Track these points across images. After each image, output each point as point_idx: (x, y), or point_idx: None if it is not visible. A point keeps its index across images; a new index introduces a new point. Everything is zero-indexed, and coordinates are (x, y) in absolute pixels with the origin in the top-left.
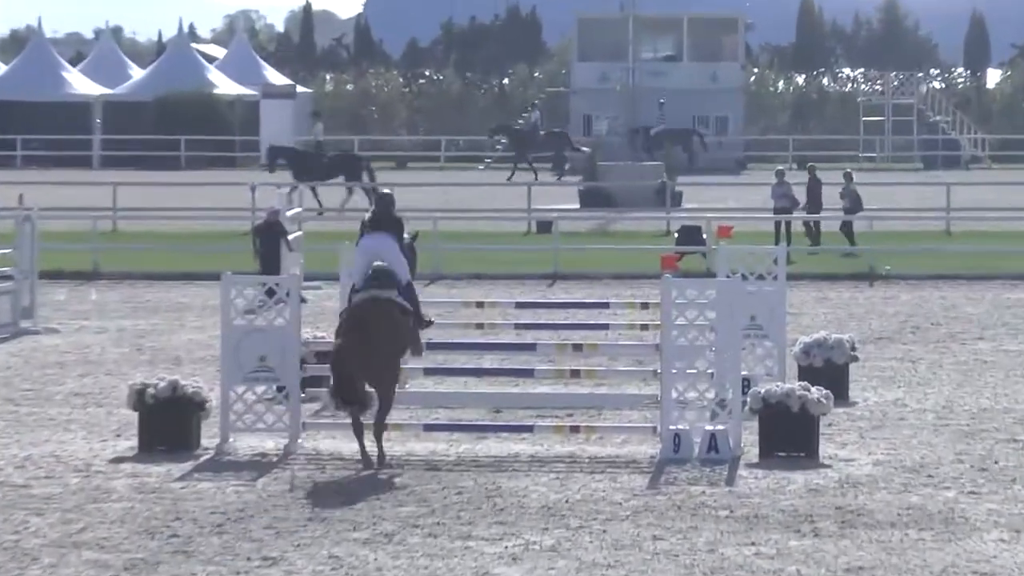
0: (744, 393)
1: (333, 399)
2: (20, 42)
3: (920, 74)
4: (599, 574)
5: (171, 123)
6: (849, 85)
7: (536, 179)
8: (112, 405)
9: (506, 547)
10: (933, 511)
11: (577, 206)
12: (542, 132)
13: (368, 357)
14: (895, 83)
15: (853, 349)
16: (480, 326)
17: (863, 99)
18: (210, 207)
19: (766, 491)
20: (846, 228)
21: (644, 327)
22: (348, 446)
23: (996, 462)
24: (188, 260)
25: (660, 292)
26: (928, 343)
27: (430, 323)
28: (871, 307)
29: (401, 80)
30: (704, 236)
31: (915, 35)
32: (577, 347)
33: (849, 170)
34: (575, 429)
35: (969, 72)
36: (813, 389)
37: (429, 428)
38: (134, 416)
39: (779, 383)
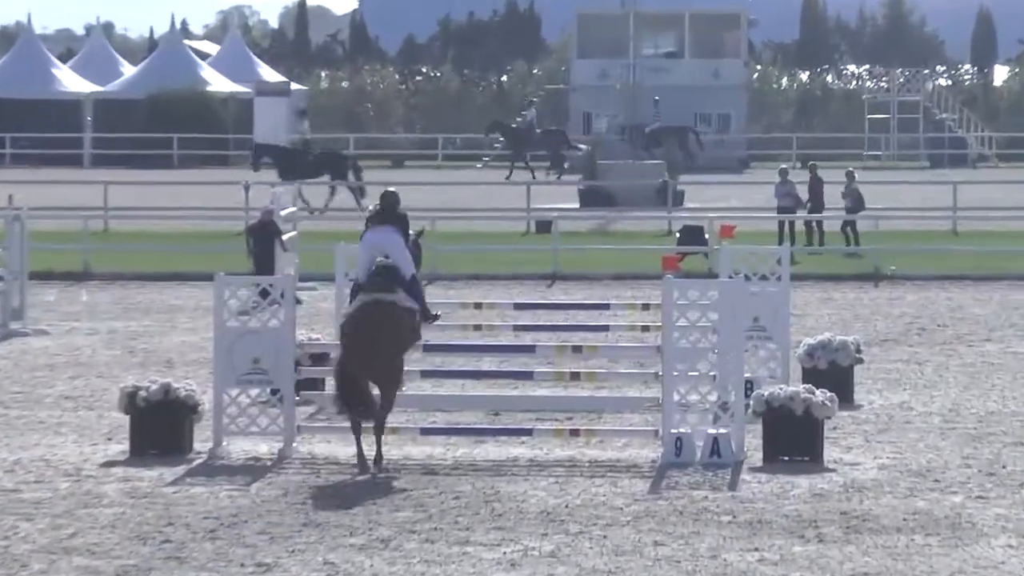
0: (747, 396)
1: (336, 404)
2: (9, 38)
3: (926, 71)
4: None
5: (163, 121)
6: (854, 82)
7: (534, 178)
8: (103, 408)
9: (504, 553)
10: (940, 516)
11: (577, 205)
12: (538, 130)
13: (370, 359)
14: (900, 80)
15: (858, 351)
16: (478, 327)
17: (868, 96)
18: (203, 206)
19: (769, 496)
20: (848, 228)
21: (645, 329)
22: (343, 450)
23: (1004, 466)
24: (180, 260)
25: (661, 293)
26: (934, 345)
27: (436, 317)
28: (876, 308)
29: (397, 77)
30: (706, 236)
31: (921, 31)
32: (577, 349)
33: (851, 169)
34: (575, 432)
35: (976, 69)
36: (817, 392)
37: (426, 432)
38: (125, 419)
39: (783, 386)
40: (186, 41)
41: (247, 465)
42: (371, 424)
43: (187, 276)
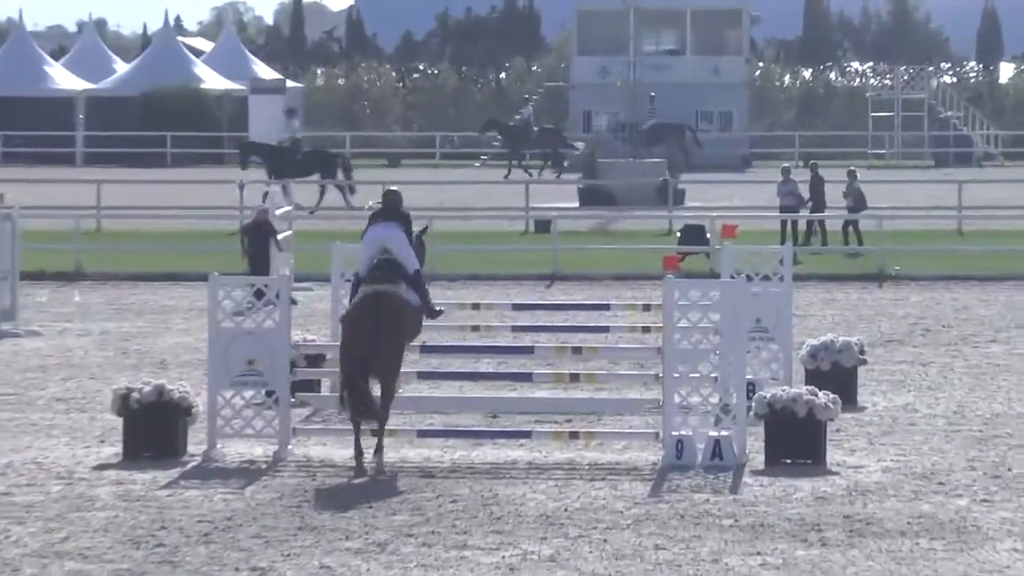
0: (749, 398)
1: (340, 402)
2: (0, 35)
3: (931, 68)
4: None
5: (157, 119)
6: (857, 80)
7: (530, 176)
8: (96, 410)
9: (503, 557)
10: (944, 520)
11: (576, 204)
12: (535, 129)
13: (372, 351)
14: (905, 77)
15: (861, 352)
16: (476, 328)
17: (872, 94)
18: (197, 206)
19: (772, 499)
20: (850, 227)
21: (646, 329)
22: (339, 452)
23: (1010, 469)
24: (174, 260)
25: (662, 293)
26: (939, 346)
27: (440, 312)
28: (880, 309)
29: (394, 74)
30: (708, 235)
31: (926, 28)
32: (576, 350)
33: (853, 168)
34: (574, 435)
35: (981, 66)
36: (820, 394)
37: (423, 434)
38: (118, 422)
39: (785, 387)
40: (180, 38)
41: (242, 468)
42: (371, 425)
43: (181, 276)
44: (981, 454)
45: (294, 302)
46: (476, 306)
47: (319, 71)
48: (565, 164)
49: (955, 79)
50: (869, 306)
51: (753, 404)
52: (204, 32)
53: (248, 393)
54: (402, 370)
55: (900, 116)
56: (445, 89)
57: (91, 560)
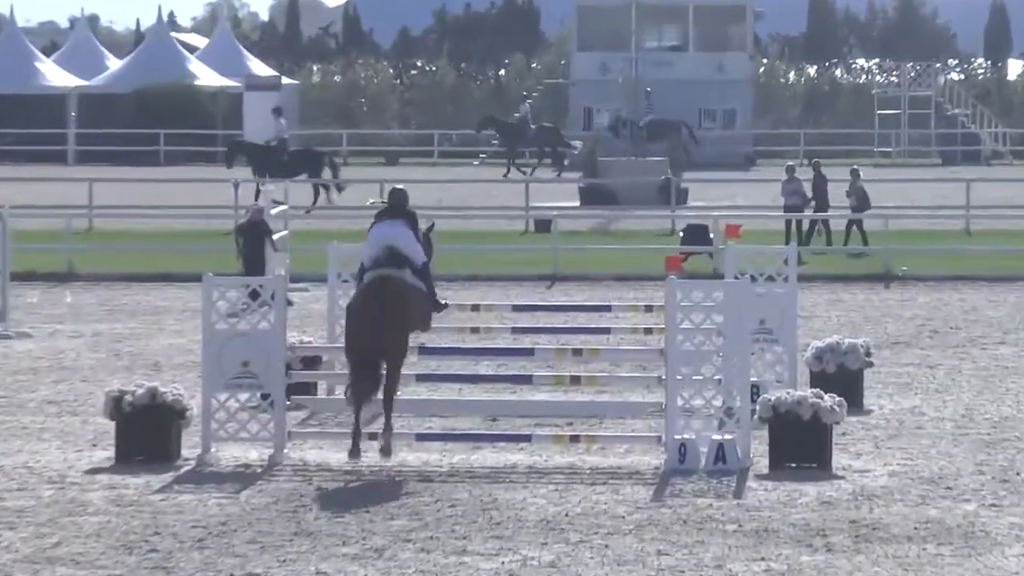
0: (753, 401)
1: (345, 391)
2: None
3: (938, 65)
4: None
5: (150, 116)
6: (863, 76)
7: (524, 175)
8: (88, 413)
9: (503, 563)
10: (952, 525)
11: (577, 204)
12: (533, 127)
13: (378, 334)
14: (912, 74)
15: (868, 354)
16: (475, 330)
17: (878, 91)
18: (191, 205)
19: (776, 504)
20: (853, 227)
21: (648, 331)
22: (336, 456)
23: (1018, 473)
24: (168, 260)
25: (664, 294)
26: (947, 348)
27: (445, 306)
28: (887, 310)
29: (392, 71)
30: (711, 235)
31: (933, 23)
32: (577, 352)
33: (856, 167)
34: (575, 439)
35: (989, 63)
36: (826, 396)
37: (422, 438)
38: (111, 425)
39: (790, 390)
40: (173, 34)
41: (236, 472)
42: (369, 428)
43: (175, 277)
44: (989, 458)
45: (290, 303)
46: (475, 307)
47: (315, 68)
48: (566, 163)
49: (963, 76)
50: (875, 307)
51: (757, 407)
52: (198, 28)
53: (243, 396)
54: (401, 372)
55: (907, 114)
56: (443, 86)
57: (83, 566)
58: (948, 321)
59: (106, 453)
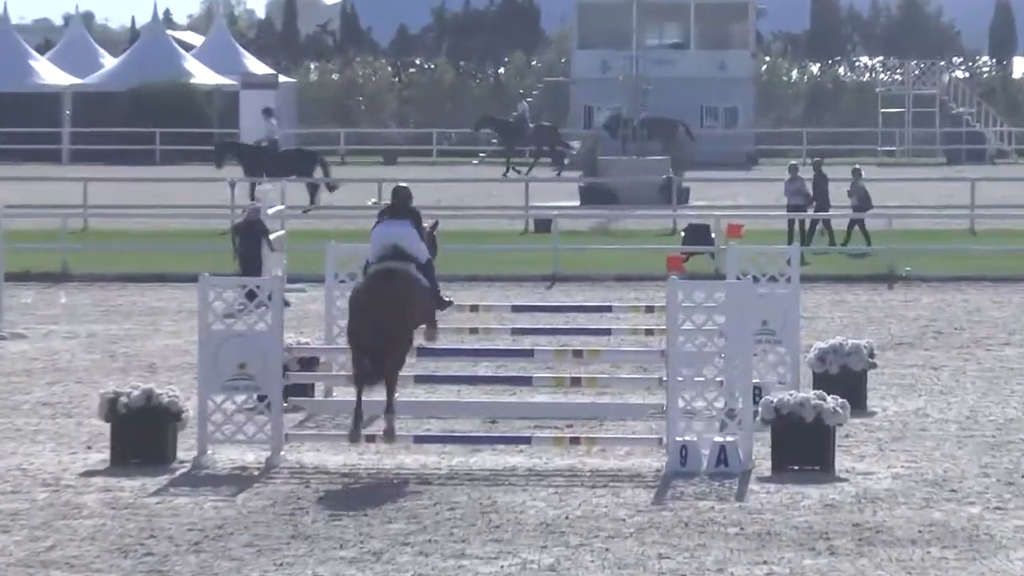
0: (755, 402)
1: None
2: None
3: (942, 63)
4: None
5: (145, 115)
6: (867, 75)
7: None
8: (82, 415)
9: (502, 566)
10: (956, 528)
11: (577, 203)
12: (531, 126)
13: (381, 324)
14: (916, 72)
15: (871, 355)
16: (474, 331)
17: (882, 89)
18: (187, 204)
19: (779, 507)
20: (855, 227)
21: (649, 332)
22: (333, 459)
23: (1023, 476)
24: (164, 261)
25: (666, 295)
26: (951, 349)
27: (449, 303)
28: (890, 311)
29: (390, 69)
30: (712, 235)
31: (937, 21)
32: (577, 353)
33: (857, 166)
34: (575, 441)
35: (994, 60)
36: (829, 398)
37: (420, 440)
38: (106, 427)
39: (792, 392)
40: (169, 31)
41: (233, 475)
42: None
43: (170, 277)
44: (994, 460)
45: (287, 304)
46: (475, 308)
47: (312, 66)
48: (566, 162)
49: (967, 74)
50: (879, 308)
51: (759, 409)
52: (194, 26)
53: (239, 397)
54: (404, 361)
55: (911, 112)
56: (442, 84)
57: (78, 570)
58: (952, 322)
59: (101, 455)
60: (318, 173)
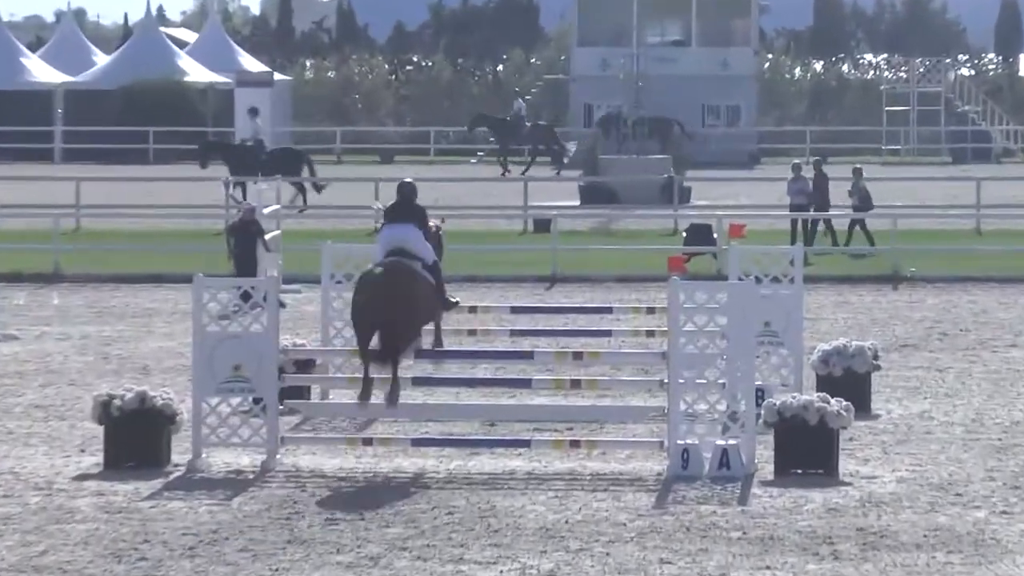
0: (758, 405)
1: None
2: None
3: (948, 60)
4: None
5: (138, 113)
6: (871, 72)
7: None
8: (75, 418)
9: (501, 571)
10: (962, 532)
11: (577, 203)
12: (527, 124)
13: (386, 309)
14: (921, 70)
15: (875, 357)
16: (473, 332)
17: (886, 87)
18: (181, 204)
19: (782, 511)
20: (856, 227)
21: (650, 334)
22: (329, 462)
23: None
24: (157, 261)
25: (667, 296)
26: (956, 351)
27: (455, 304)
28: (895, 312)
29: (387, 67)
30: (715, 235)
31: (942, 18)
32: (577, 355)
33: (859, 166)
34: (575, 444)
35: (1000, 58)
36: (832, 401)
37: (418, 443)
38: (99, 430)
39: (796, 394)
40: (162, 28)
41: (228, 478)
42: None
43: (164, 278)
44: (1000, 464)
45: (282, 305)
46: (473, 309)
47: (308, 63)
48: (565, 161)
49: (973, 72)
50: (883, 309)
51: (762, 411)
52: (188, 22)
53: (234, 400)
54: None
55: (916, 110)
56: (440, 82)
57: (71, 574)
58: (958, 323)
59: (94, 459)
60: (305, 173)
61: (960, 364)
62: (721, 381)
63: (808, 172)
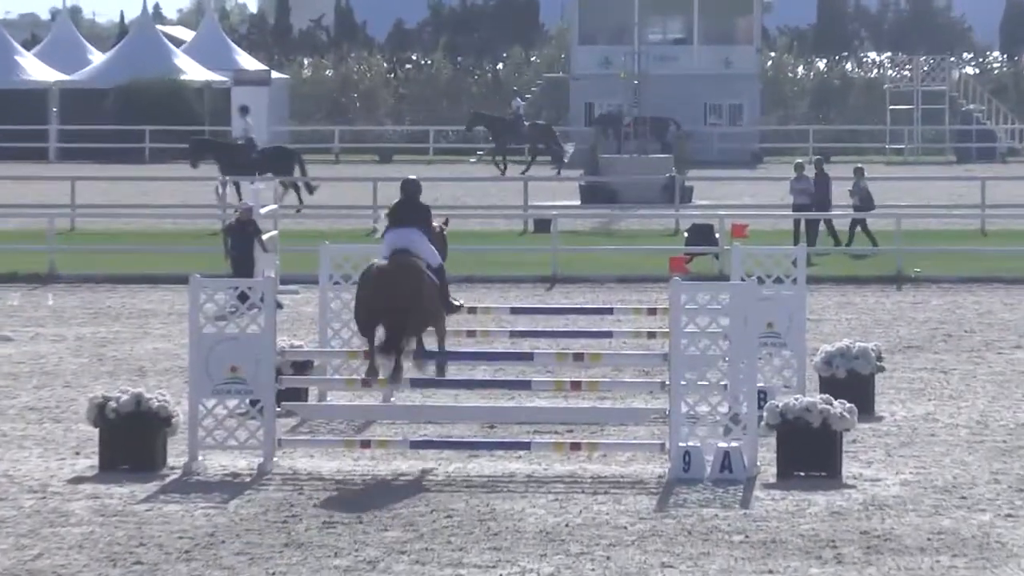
0: (760, 407)
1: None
2: None
3: (952, 58)
4: None
5: (134, 112)
6: (875, 71)
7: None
8: (70, 420)
9: (500, 575)
10: (967, 536)
11: (578, 203)
12: (526, 124)
13: (391, 300)
14: (925, 68)
15: (879, 359)
16: (472, 334)
17: (890, 86)
18: (177, 204)
19: (784, 514)
20: (857, 227)
21: (651, 335)
22: (327, 465)
23: None
24: (153, 262)
25: (668, 297)
26: (961, 352)
27: (460, 307)
28: (899, 313)
29: (385, 65)
30: (716, 235)
31: (947, 16)
32: (578, 357)
33: (860, 166)
34: (576, 446)
35: (1005, 56)
36: (835, 403)
37: (416, 445)
38: (94, 432)
39: (798, 396)
40: (159, 26)
41: (224, 481)
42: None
43: (160, 278)
44: (1005, 466)
45: (280, 306)
46: (472, 310)
47: (306, 62)
48: (565, 160)
49: (978, 70)
50: (887, 310)
51: (764, 414)
52: (184, 20)
53: (231, 402)
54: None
55: (920, 109)
56: (439, 81)
57: None
58: (962, 324)
59: (89, 461)
60: (296, 172)
61: (965, 366)
62: (723, 383)
63: (811, 172)
